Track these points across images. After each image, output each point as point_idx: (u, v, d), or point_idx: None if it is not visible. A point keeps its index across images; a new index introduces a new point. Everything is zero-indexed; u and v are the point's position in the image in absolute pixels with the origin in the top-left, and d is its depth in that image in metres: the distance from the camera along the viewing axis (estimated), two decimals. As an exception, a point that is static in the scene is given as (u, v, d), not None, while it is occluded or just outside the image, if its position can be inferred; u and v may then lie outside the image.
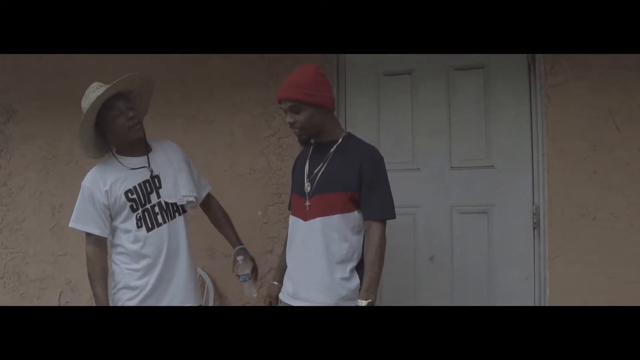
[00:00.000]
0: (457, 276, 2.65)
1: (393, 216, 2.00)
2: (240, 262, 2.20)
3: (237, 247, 2.28)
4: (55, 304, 3.23)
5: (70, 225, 2.09)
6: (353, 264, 1.96)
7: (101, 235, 2.07)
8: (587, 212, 2.44)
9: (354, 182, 1.93)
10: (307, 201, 1.99)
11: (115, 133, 2.12)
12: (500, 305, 2.57)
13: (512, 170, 2.60)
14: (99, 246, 2.08)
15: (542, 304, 2.51)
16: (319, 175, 1.99)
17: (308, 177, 2.02)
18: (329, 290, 1.93)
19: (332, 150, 2.00)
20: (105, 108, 2.07)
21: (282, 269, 2.14)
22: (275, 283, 2.15)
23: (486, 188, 2.63)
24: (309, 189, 2.00)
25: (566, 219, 2.46)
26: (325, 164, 1.99)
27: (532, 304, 2.54)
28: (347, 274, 1.94)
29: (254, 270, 2.24)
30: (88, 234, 2.08)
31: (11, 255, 3.32)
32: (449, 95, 2.69)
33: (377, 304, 2.65)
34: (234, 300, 2.92)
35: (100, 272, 2.07)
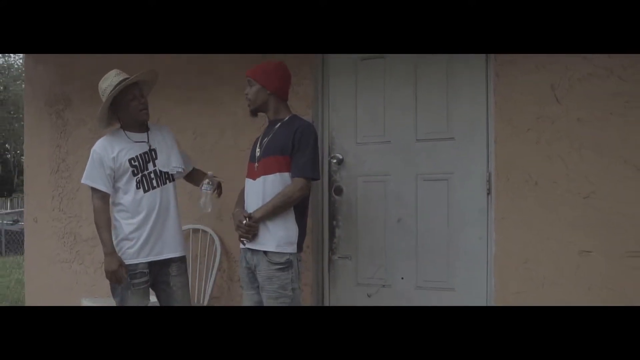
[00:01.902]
0: (420, 236, 2.99)
1: (313, 176, 2.44)
2: (208, 178, 2.63)
3: (210, 173, 2.70)
4: (102, 260, 3.87)
5: (82, 181, 2.66)
6: (291, 215, 2.41)
7: (106, 191, 2.62)
8: (529, 179, 2.69)
9: (289, 147, 2.40)
10: (256, 163, 2.48)
11: (129, 113, 2.67)
12: (459, 262, 2.90)
13: (470, 141, 2.89)
14: (104, 201, 2.64)
15: (489, 262, 2.80)
16: (265, 143, 2.46)
17: (259, 146, 2.51)
18: (271, 235, 2.40)
19: (277, 125, 2.49)
20: (123, 92, 2.62)
21: (240, 205, 2.59)
22: (238, 209, 2.57)
23: (447, 158, 2.94)
24: (258, 154, 2.48)
25: (511, 184, 2.72)
26: (271, 135, 2.47)
27: (485, 262, 2.84)
28: (286, 223, 2.41)
29: (218, 187, 2.68)
30: (95, 190, 2.62)
31: (69, 219, 4.01)
32: (416, 75, 3.01)
33: (354, 259, 3.08)
34: (238, 256, 3.37)
35: (106, 221, 2.63)
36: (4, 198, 18.12)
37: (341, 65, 3.17)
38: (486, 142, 2.85)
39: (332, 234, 3.18)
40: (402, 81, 3.04)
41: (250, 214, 2.44)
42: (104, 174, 2.62)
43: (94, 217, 2.66)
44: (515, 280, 2.71)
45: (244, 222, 2.43)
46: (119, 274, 2.59)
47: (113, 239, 2.69)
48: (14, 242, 9.36)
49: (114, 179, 2.64)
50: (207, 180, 2.65)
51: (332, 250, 3.18)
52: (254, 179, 2.50)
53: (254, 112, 2.58)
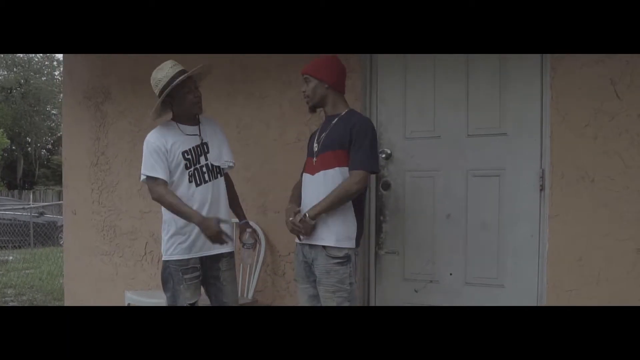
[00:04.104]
0: (470, 232, 2.96)
1: (372, 169, 2.43)
2: (247, 234, 2.68)
3: (243, 221, 2.79)
4: (142, 252, 3.90)
5: (141, 179, 2.60)
6: (350, 209, 2.40)
7: (166, 179, 2.57)
8: (586, 175, 2.65)
9: (347, 141, 2.39)
10: (315, 158, 2.47)
11: (183, 105, 2.64)
12: (509, 258, 2.87)
13: (522, 137, 2.85)
14: (165, 186, 2.58)
15: (542, 260, 2.77)
16: (323, 138, 2.45)
17: (317, 141, 2.49)
18: (329, 230, 2.38)
19: (335, 120, 2.48)
20: (179, 85, 2.59)
21: (294, 201, 2.61)
22: (291, 205, 2.59)
23: (498, 153, 2.90)
24: (316, 148, 2.47)
25: (566, 181, 2.68)
26: (329, 129, 2.47)
27: (536, 260, 2.80)
28: (345, 218, 2.40)
29: (256, 242, 2.73)
30: (154, 180, 2.57)
31: (108, 212, 4.03)
32: (468, 68, 2.97)
33: (401, 254, 3.07)
34: (282, 250, 3.40)
35: (177, 198, 2.56)
36: (26, 190, 18.34)
37: (390, 58, 3.14)
38: (540, 138, 2.80)
39: (378, 229, 3.16)
40: (453, 75, 3.00)
41: (305, 212, 2.43)
42: (162, 161, 2.58)
43: (163, 202, 2.58)
44: (569, 278, 2.68)
45: (291, 219, 2.44)
46: (222, 232, 2.54)
47: (163, 235, 2.68)
48: (41, 235, 9.47)
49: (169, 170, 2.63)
50: (247, 235, 2.69)
51: (378, 245, 3.16)
52: (313, 174, 2.49)
53: (313, 109, 2.57)
